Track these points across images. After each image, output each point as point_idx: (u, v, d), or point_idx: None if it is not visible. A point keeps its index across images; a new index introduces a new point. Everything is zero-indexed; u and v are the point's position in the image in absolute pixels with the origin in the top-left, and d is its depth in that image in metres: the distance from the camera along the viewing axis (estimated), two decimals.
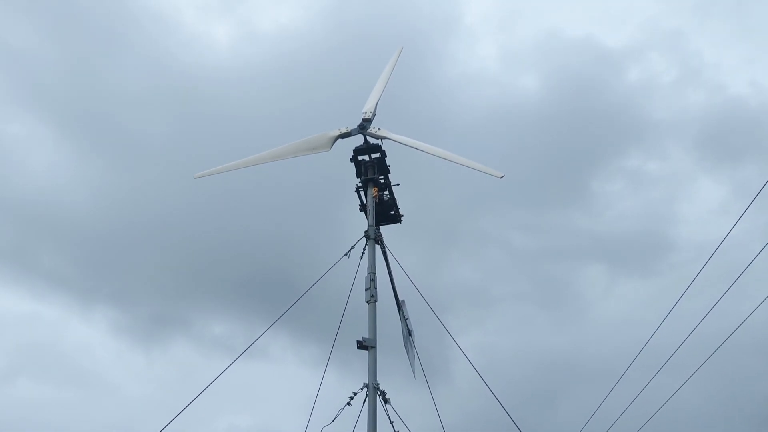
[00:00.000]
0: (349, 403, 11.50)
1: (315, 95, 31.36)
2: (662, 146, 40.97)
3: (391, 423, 11.61)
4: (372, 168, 13.56)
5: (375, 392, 11.54)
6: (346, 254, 12.70)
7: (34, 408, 33.15)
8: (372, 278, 12.49)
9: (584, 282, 39.11)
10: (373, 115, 13.88)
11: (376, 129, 13.61)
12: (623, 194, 40.23)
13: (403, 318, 13.89)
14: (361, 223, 13.46)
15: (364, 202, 13.66)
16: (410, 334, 14.01)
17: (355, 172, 13.81)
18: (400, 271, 13.62)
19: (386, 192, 13.83)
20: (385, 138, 13.49)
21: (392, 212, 13.95)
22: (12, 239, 35.18)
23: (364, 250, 12.86)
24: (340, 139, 13.77)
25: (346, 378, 11.70)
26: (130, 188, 34.27)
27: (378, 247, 13.18)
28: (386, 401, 11.64)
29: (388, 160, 13.69)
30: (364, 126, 13.65)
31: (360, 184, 13.74)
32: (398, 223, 14.09)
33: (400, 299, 13.90)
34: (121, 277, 35.31)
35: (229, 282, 32.02)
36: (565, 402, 33.56)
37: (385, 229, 13.78)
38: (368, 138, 13.64)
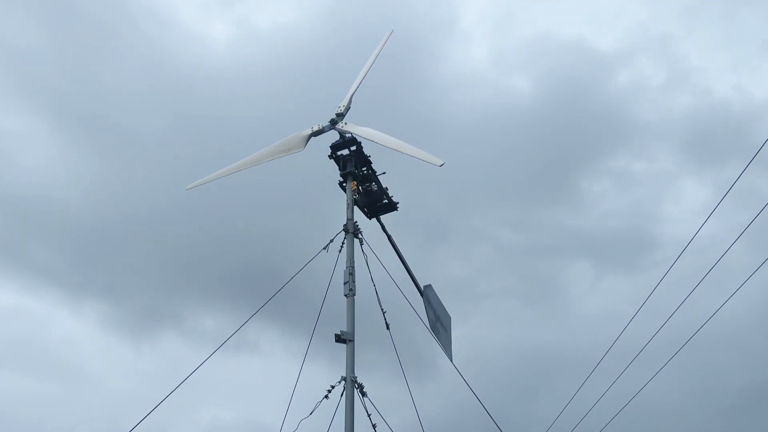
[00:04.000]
0: (326, 396, 11.57)
1: (312, 95, 31.50)
2: (649, 147, 41.63)
3: (369, 416, 11.71)
4: (350, 161, 13.34)
5: (352, 385, 11.60)
6: (324, 248, 12.68)
7: (15, 401, 33.30)
8: (350, 272, 12.39)
9: (570, 277, 39.86)
10: (347, 109, 13.68)
11: (344, 124, 13.41)
12: (610, 193, 41.00)
13: (429, 304, 13.75)
14: (355, 217, 13.14)
15: (354, 196, 13.36)
16: (438, 319, 13.92)
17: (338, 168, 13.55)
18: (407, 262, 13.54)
19: (373, 183, 13.55)
20: (350, 132, 13.26)
21: (385, 201, 13.70)
22: (3, 233, 35.44)
23: (343, 243, 12.74)
24: (314, 137, 13.63)
25: (334, 372, 11.80)
26: (122, 184, 34.65)
27: (382, 239, 13.07)
28: (364, 394, 11.68)
29: (368, 151, 13.40)
30: (335, 121, 13.49)
31: (341, 179, 13.54)
32: (395, 211, 13.85)
33: (423, 285, 13.76)
34: (112, 271, 35.68)
35: (221, 277, 32.31)
36: (547, 393, 34.03)
37: (383, 219, 13.62)
38: (341, 133, 13.45)
